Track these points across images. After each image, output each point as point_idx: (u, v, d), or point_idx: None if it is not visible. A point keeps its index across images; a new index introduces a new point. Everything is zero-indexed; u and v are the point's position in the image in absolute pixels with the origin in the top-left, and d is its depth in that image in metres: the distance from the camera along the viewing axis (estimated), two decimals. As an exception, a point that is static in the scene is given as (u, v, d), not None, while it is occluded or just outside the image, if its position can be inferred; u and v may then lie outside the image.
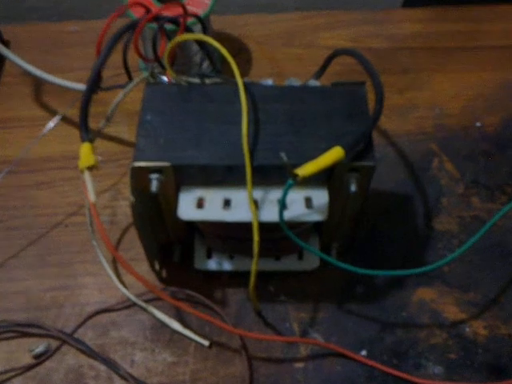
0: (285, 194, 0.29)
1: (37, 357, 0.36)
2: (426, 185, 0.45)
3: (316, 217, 0.32)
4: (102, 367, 0.36)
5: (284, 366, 0.36)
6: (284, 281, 0.39)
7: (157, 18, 0.36)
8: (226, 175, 0.32)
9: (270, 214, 0.31)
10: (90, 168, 0.31)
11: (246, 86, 0.33)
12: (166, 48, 0.35)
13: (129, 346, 0.37)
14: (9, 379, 0.36)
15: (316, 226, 0.38)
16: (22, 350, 0.37)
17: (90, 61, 0.34)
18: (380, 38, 0.56)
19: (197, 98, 0.34)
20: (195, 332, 0.37)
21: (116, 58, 0.37)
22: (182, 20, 0.37)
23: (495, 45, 0.55)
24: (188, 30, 0.38)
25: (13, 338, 0.37)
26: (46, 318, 0.38)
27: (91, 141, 0.32)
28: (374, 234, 0.42)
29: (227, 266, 0.39)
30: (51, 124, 0.43)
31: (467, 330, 0.38)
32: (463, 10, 0.59)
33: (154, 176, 0.31)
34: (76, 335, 0.37)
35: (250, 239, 0.31)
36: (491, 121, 0.49)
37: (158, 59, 0.37)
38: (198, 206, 0.32)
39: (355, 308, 0.38)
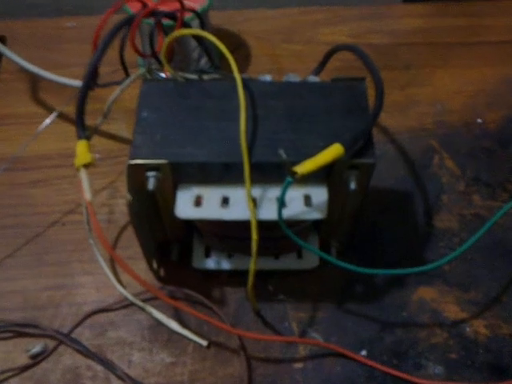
0: (284, 192, 0.29)
1: (33, 357, 0.36)
2: (427, 182, 0.45)
3: (315, 215, 0.31)
4: (99, 368, 0.36)
5: (283, 366, 0.36)
6: (283, 280, 0.39)
7: (154, 13, 0.36)
8: (224, 173, 0.32)
9: (268, 212, 0.31)
10: (87, 166, 0.31)
11: (244, 82, 0.32)
12: (163, 44, 0.35)
13: (126, 346, 0.36)
14: (5, 380, 0.35)
15: (315, 224, 0.37)
16: (18, 350, 0.36)
17: (88, 57, 0.33)
18: (380, 33, 0.56)
19: (194, 94, 0.34)
20: (193, 332, 0.36)
21: (113, 54, 0.36)
22: (179, 15, 0.36)
23: (497, 40, 0.55)
24: (186, 25, 0.37)
25: (9, 338, 0.37)
26: (42, 317, 0.37)
27: (88, 138, 0.32)
28: (374, 233, 0.42)
29: (226, 264, 0.38)
30: (47, 121, 0.42)
31: (468, 329, 0.37)
32: (464, 4, 0.58)
33: (150, 174, 0.31)
34: (73, 335, 0.37)
35: (249, 238, 0.30)
36: (493, 117, 0.49)
37: (155, 55, 0.37)
38: (195, 204, 0.32)
39: (355, 307, 0.38)
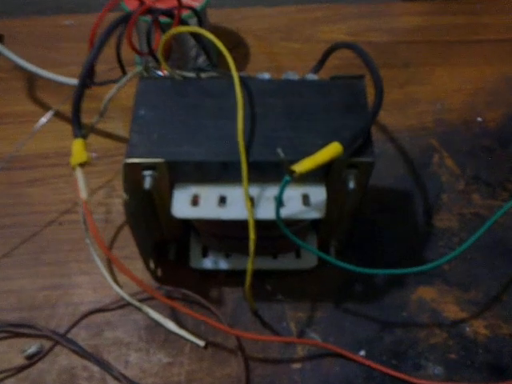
0: (281, 191, 0.29)
1: (29, 357, 0.36)
2: (426, 181, 0.44)
3: (313, 214, 0.31)
4: (96, 368, 0.35)
5: (281, 367, 0.35)
6: (281, 280, 0.39)
7: (151, 11, 0.35)
8: (222, 172, 0.31)
9: (266, 212, 0.31)
10: (82, 165, 0.31)
11: (242, 80, 0.32)
12: (160, 41, 0.34)
13: (123, 346, 0.36)
14: (1, 380, 0.35)
15: (314, 224, 0.37)
16: (14, 351, 0.36)
17: (86, 55, 0.33)
18: (379, 31, 0.55)
19: (192, 92, 0.33)
20: (191, 332, 0.36)
21: (111, 52, 0.36)
22: (176, 12, 0.36)
23: (496, 38, 0.55)
24: (183, 22, 0.37)
25: (5, 338, 0.36)
26: (38, 317, 0.37)
27: (84, 137, 0.32)
28: (373, 232, 0.41)
29: (223, 264, 0.38)
30: (43, 120, 0.42)
31: (468, 329, 0.37)
32: (463, 3, 0.58)
33: (147, 173, 0.31)
34: (69, 335, 0.36)
35: (247, 237, 0.30)
36: (492, 115, 0.49)
37: (152, 53, 0.36)
38: (192, 203, 0.32)
39: (354, 307, 0.38)
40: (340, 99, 0.33)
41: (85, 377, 0.35)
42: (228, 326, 0.36)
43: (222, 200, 0.32)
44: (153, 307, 0.37)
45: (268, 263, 0.38)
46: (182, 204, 0.31)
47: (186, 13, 0.40)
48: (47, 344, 0.36)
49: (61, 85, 0.46)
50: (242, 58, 0.53)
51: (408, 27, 0.56)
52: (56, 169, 0.45)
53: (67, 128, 0.46)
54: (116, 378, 0.35)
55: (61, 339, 0.36)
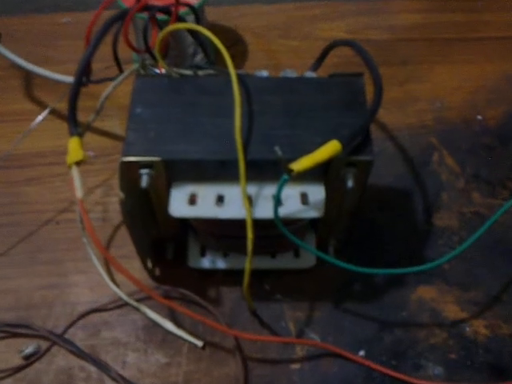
0: (279, 190, 0.28)
1: (26, 358, 0.35)
2: (426, 179, 0.44)
3: (312, 213, 0.31)
4: (93, 368, 0.35)
5: (280, 367, 0.35)
6: (280, 279, 0.38)
7: (147, 8, 0.35)
8: (219, 170, 0.31)
9: (264, 211, 0.30)
10: (79, 163, 0.31)
11: (239, 77, 0.31)
12: (157, 38, 0.34)
13: (120, 346, 0.36)
14: (-3, 381, 0.35)
15: (312, 223, 0.37)
16: (10, 351, 0.36)
17: (83, 53, 0.33)
18: (379, 29, 0.55)
19: (189, 90, 0.33)
20: (188, 332, 0.36)
21: (108, 50, 0.36)
22: (173, 9, 0.36)
23: (497, 36, 0.54)
24: (180, 19, 0.37)
25: (1, 338, 0.36)
26: (35, 317, 0.37)
27: (80, 135, 0.32)
28: (373, 231, 0.41)
29: (221, 264, 0.38)
30: (39, 118, 0.42)
31: (468, 329, 0.37)
32: (463, 0, 0.58)
33: (144, 171, 0.30)
34: (66, 335, 0.36)
35: (245, 236, 0.30)
36: (492, 113, 0.48)
37: (148, 50, 0.36)
38: (190, 202, 0.31)
39: (353, 307, 0.37)
40: (339, 97, 0.33)
41: (82, 377, 0.35)
42: (226, 326, 0.35)
43: (220, 199, 0.31)
44: (150, 307, 0.37)
45: (266, 262, 0.38)
46: (180, 203, 0.31)
47: (183, 10, 0.39)
48: (44, 344, 0.36)
49: (58, 83, 0.46)
50: (240, 56, 0.52)
51: (407, 25, 0.56)
52: (53, 167, 0.44)
53: (64, 126, 0.45)
54: (113, 379, 0.34)
55: (58, 339, 0.36)
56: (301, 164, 0.28)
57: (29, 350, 0.35)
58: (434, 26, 0.55)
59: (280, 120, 0.32)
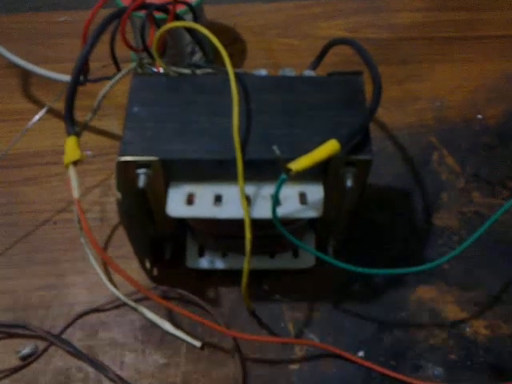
0: (278, 190, 0.28)
1: (23, 358, 0.35)
2: (426, 179, 0.44)
3: (311, 213, 0.31)
4: (91, 369, 0.35)
5: (278, 368, 0.35)
6: (279, 279, 0.38)
7: (145, 6, 0.35)
8: (217, 170, 0.31)
9: (262, 211, 0.30)
10: (76, 163, 0.30)
11: (238, 76, 0.31)
12: (154, 37, 0.34)
13: (118, 347, 0.36)
14: (-6, 381, 0.35)
15: (311, 223, 0.37)
16: (8, 352, 0.35)
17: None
18: (378, 27, 0.55)
19: (187, 89, 0.33)
20: (187, 332, 0.35)
21: (106, 48, 0.35)
22: (171, 7, 0.35)
23: (497, 34, 0.54)
24: (178, 18, 0.36)
25: (-2, 338, 0.36)
26: (33, 318, 0.37)
27: (77, 134, 0.31)
28: (372, 231, 0.41)
29: (220, 264, 0.37)
30: (37, 117, 0.41)
31: (468, 329, 0.36)
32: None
33: (141, 171, 0.30)
34: (64, 336, 0.36)
35: (243, 236, 0.29)
36: (492, 112, 0.48)
37: (146, 48, 0.36)
38: (187, 202, 0.31)
39: (352, 307, 0.37)
40: (338, 96, 0.32)
41: (79, 378, 0.35)
42: (225, 327, 0.35)
43: (218, 199, 0.31)
44: (148, 307, 0.36)
45: (265, 263, 0.38)
46: (177, 203, 0.31)
47: (181, 8, 0.39)
48: (42, 345, 0.36)
49: (56, 82, 0.46)
50: (239, 55, 0.52)
51: (407, 23, 0.55)
52: (50, 167, 0.44)
53: (62, 125, 0.44)
54: (111, 379, 0.34)
55: (55, 340, 0.35)
56: (299, 163, 0.28)
57: (26, 350, 0.35)
58: (433, 24, 0.55)
59: (279, 119, 0.32)
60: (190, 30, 0.37)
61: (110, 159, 0.44)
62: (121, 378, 0.34)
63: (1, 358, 0.35)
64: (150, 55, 0.36)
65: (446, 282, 0.38)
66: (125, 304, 0.37)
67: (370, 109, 0.31)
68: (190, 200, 0.31)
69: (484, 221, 0.32)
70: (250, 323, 0.37)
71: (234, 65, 0.31)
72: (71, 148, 0.31)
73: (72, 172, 0.30)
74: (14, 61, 0.46)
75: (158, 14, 0.36)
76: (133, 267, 0.38)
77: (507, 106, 0.49)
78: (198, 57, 0.46)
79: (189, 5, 0.39)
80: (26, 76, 0.50)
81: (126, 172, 0.30)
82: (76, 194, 0.29)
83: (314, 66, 0.39)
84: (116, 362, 0.35)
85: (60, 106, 0.46)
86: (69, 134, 0.31)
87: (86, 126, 0.34)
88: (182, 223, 0.36)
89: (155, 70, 0.36)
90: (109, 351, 0.35)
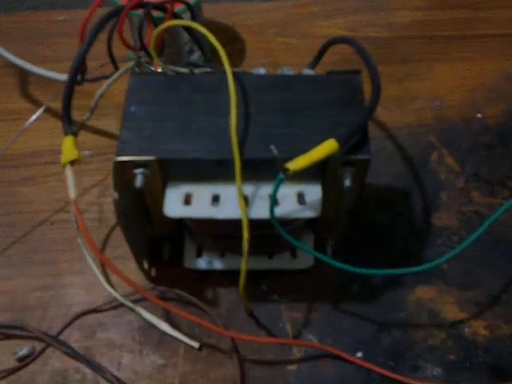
0: (276, 190, 0.28)
1: (20, 360, 0.35)
2: (425, 178, 0.44)
3: (309, 213, 0.30)
4: (88, 370, 0.35)
5: (277, 369, 0.35)
6: (277, 280, 0.38)
7: (143, 5, 0.35)
8: (215, 170, 0.31)
9: (260, 211, 0.30)
10: (73, 162, 0.30)
11: (236, 75, 0.31)
12: (152, 36, 0.34)
13: (116, 348, 0.35)
14: (-9, 383, 0.34)
15: (310, 223, 0.36)
16: (5, 353, 0.35)
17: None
18: (377, 26, 0.55)
19: (185, 88, 0.33)
20: (185, 333, 0.35)
21: (104, 48, 0.35)
22: (169, 6, 0.35)
23: (496, 33, 0.54)
24: (176, 17, 0.36)
25: (-5, 339, 0.36)
26: (30, 319, 0.36)
27: (74, 134, 0.31)
28: (371, 231, 0.41)
29: (218, 264, 0.37)
30: (34, 117, 0.41)
31: (467, 330, 0.36)
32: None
33: (138, 171, 0.30)
34: (61, 337, 0.36)
35: (241, 236, 0.29)
36: (492, 112, 0.48)
37: (144, 47, 0.35)
38: (185, 202, 0.31)
39: (351, 308, 0.37)
40: (336, 95, 0.32)
41: (77, 379, 0.34)
42: (223, 327, 0.35)
43: (215, 199, 0.31)
44: (146, 308, 0.36)
45: (263, 263, 0.37)
46: (175, 203, 0.31)
47: (179, 7, 0.39)
48: (39, 346, 0.35)
49: (54, 81, 0.45)
50: (238, 54, 0.52)
51: (406, 22, 0.55)
52: (48, 167, 0.44)
53: (60, 125, 0.45)
54: (109, 381, 0.34)
55: (53, 341, 0.35)
56: (297, 163, 0.28)
57: (23, 351, 0.35)
58: (433, 23, 0.55)
59: (277, 118, 0.31)
60: (188, 29, 0.37)
61: (108, 159, 0.44)
62: (118, 379, 0.34)
63: (-2, 359, 0.35)
64: (148, 54, 0.36)
65: (446, 282, 0.38)
66: (122, 305, 0.36)
67: (368, 108, 0.31)
68: (187, 200, 0.31)
69: (483, 220, 0.32)
70: (248, 324, 0.36)
71: (233, 64, 0.31)
72: (68, 148, 0.30)
73: (69, 172, 0.30)
74: (11, 60, 0.46)
75: (156, 13, 0.36)
76: (130, 268, 0.38)
77: (507, 105, 0.48)
78: (196, 56, 0.46)
79: (187, 3, 0.38)
80: (23, 75, 0.50)
81: (123, 172, 0.30)
82: (72, 194, 0.29)
83: (313, 64, 0.39)
84: (113, 362, 0.35)
85: (58, 105, 0.45)
86: (66, 133, 0.31)
87: (83, 126, 0.34)
88: (180, 223, 0.36)
89: (153, 68, 0.35)
90: (106, 352, 0.35)
